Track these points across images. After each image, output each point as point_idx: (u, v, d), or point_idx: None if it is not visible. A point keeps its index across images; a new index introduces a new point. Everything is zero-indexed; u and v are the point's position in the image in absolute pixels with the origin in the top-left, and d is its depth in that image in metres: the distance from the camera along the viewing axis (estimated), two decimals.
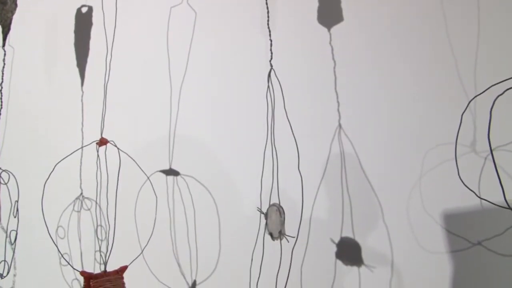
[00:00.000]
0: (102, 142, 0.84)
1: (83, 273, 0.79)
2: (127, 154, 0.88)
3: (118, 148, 0.85)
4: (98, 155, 1.03)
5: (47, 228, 0.95)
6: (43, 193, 0.88)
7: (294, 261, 0.78)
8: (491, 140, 0.89)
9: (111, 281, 0.79)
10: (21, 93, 1.30)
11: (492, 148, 0.90)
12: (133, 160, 0.90)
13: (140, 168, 0.91)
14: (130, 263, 0.84)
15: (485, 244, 0.89)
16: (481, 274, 0.89)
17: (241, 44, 1.08)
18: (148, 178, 1.02)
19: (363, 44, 0.97)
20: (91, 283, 0.77)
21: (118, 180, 0.91)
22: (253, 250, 0.79)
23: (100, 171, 0.95)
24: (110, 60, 0.92)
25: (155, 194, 1.00)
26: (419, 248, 0.92)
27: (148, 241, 0.90)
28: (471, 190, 0.78)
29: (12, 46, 1.30)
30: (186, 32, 1.13)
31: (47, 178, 0.87)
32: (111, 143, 0.85)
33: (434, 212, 0.91)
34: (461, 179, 0.74)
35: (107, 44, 0.92)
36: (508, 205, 0.81)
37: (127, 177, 0.93)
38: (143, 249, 0.91)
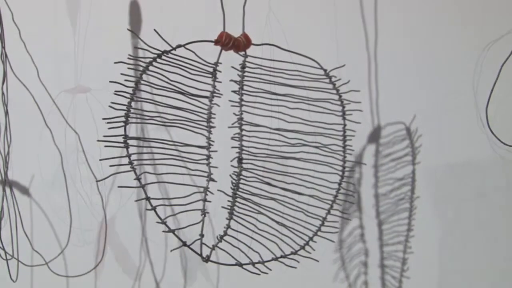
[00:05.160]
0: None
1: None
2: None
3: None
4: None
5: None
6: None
7: None
8: None
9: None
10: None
11: None
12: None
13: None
14: None
15: (489, 196, 0.91)
16: (481, 226, 0.91)
17: None
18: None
19: None
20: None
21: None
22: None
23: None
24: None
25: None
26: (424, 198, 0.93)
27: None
28: (498, 138, 0.78)
29: None
30: None
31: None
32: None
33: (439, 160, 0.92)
34: (489, 128, 0.73)
35: None
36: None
37: None
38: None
